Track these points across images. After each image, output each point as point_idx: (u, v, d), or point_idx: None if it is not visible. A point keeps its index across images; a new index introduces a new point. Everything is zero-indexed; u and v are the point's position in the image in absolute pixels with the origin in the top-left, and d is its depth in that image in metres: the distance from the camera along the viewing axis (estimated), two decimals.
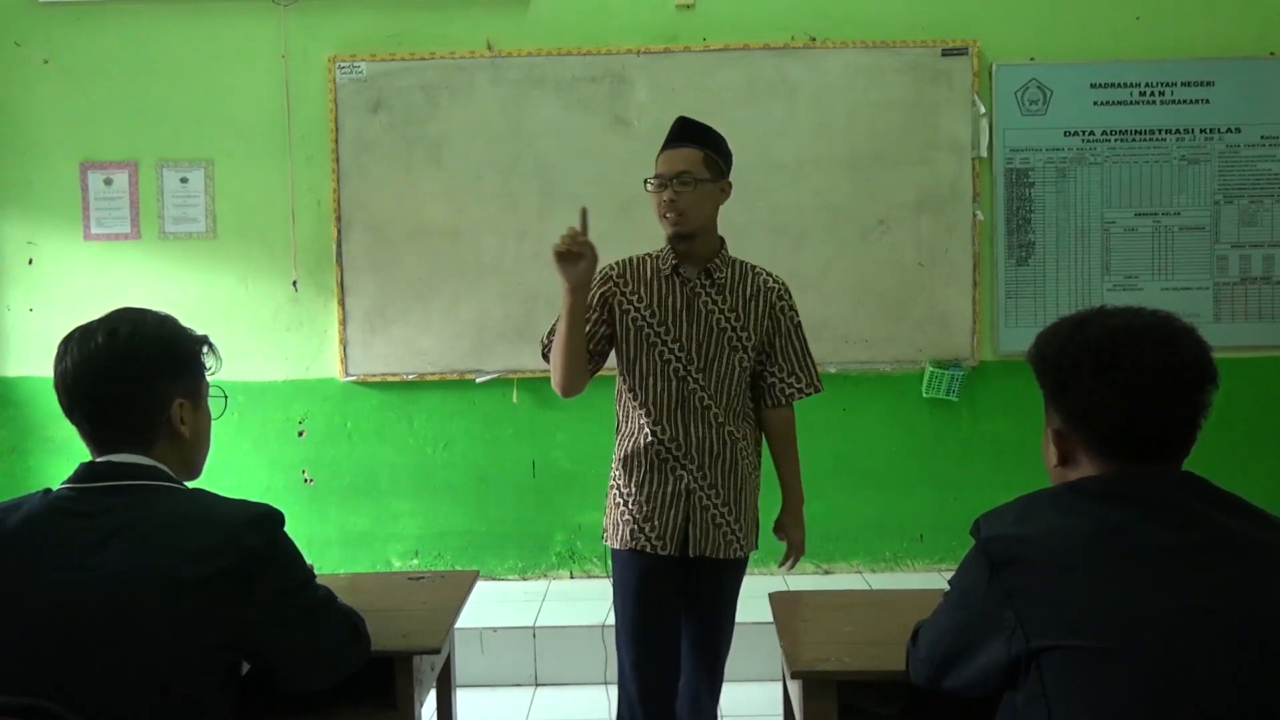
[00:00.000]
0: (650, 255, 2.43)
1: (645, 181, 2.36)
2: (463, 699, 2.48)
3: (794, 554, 2.53)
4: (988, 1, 4.05)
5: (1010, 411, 4.02)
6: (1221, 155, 4.05)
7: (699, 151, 2.34)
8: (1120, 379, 1.32)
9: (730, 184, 2.44)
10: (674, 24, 4.04)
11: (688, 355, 2.35)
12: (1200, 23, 4.04)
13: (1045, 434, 1.43)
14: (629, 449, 2.40)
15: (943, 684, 1.45)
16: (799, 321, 2.45)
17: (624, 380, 2.42)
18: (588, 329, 2.38)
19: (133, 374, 1.49)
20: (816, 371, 2.47)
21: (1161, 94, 4.03)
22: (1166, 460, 1.34)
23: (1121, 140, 4.04)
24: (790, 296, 2.45)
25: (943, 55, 4.02)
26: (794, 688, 1.83)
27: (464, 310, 4.05)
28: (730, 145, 2.47)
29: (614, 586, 2.46)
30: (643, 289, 2.39)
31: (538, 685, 3.56)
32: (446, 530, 4.16)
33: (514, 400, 4.05)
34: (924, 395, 4.08)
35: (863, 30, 4.02)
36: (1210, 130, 4.04)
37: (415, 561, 4.14)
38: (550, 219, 4.00)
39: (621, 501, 2.41)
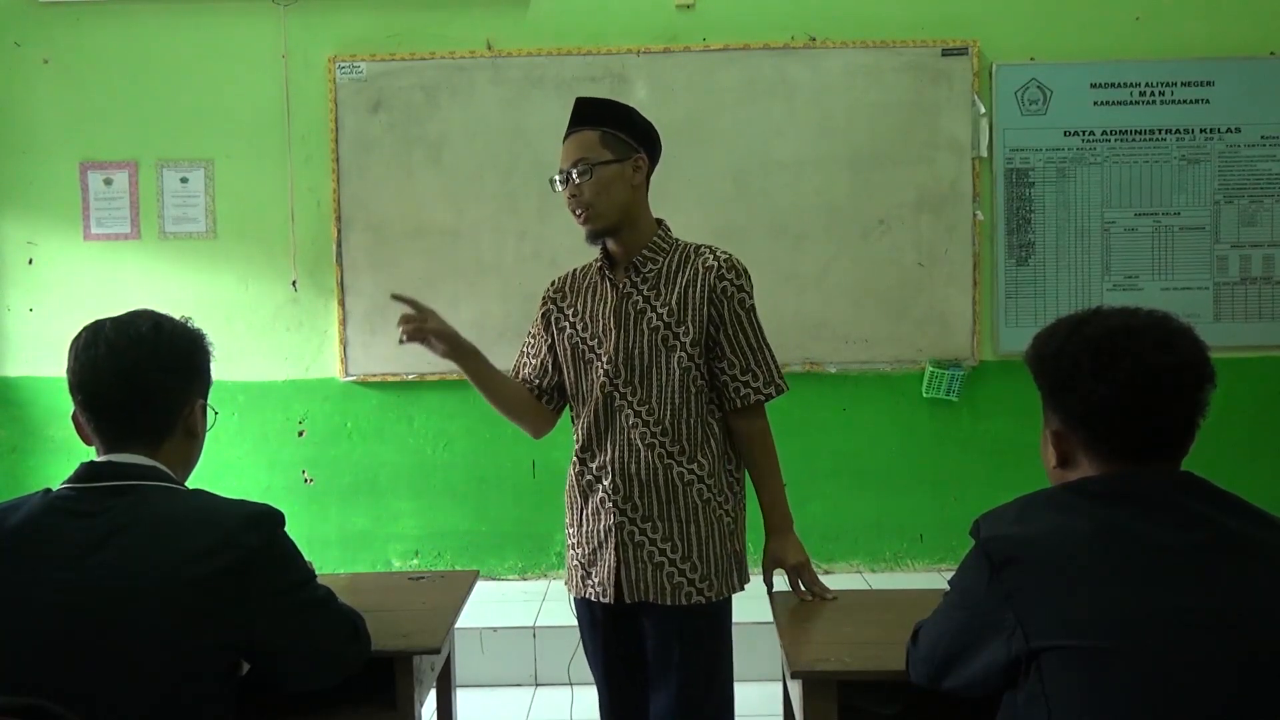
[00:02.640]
0: (592, 262, 2.15)
1: (550, 181, 2.07)
2: (463, 699, 2.48)
3: (798, 578, 2.06)
4: (988, 1, 4.05)
5: (1010, 411, 4.02)
6: (1221, 155, 4.05)
7: (594, 132, 2.03)
8: (1119, 379, 1.32)
9: (646, 158, 2.07)
10: (674, 24, 4.04)
11: (614, 367, 2.03)
12: (1200, 23, 4.04)
13: (1044, 435, 1.43)
14: (568, 481, 2.14)
15: (943, 684, 1.45)
16: (750, 305, 2.05)
17: (570, 404, 2.16)
18: (538, 361, 2.18)
19: (172, 365, 1.53)
20: (777, 366, 2.06)
21: (1161, 94, 4.03)
22: (1165, 460, 1.34)
23: (1121, 140, 4.04)
24: (737, 275, 2.04)
25: (943, 55, 4.02)
26: (794, 688, 1.83)
27: (464, 310, 4.05)
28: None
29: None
30: (578, 301, 2.12)
31: (538, 685, 3.56)
32: (446, 530, 4.16)
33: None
34: (924, 395, 4.08)
35: (863, 30, 4.02)
36: (1210, 130, 4.04)
37: (415, 561, 4.14)
38: (550, 219, 4.00)
39: (570, 542, 2.15)
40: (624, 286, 2.06)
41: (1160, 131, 4.04)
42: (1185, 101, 4.03)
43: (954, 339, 4.07)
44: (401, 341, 2.08)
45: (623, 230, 2.05)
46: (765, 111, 4.00)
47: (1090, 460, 1.37)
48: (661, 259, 2.06)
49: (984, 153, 4.03)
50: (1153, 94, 4.04)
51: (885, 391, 4.11)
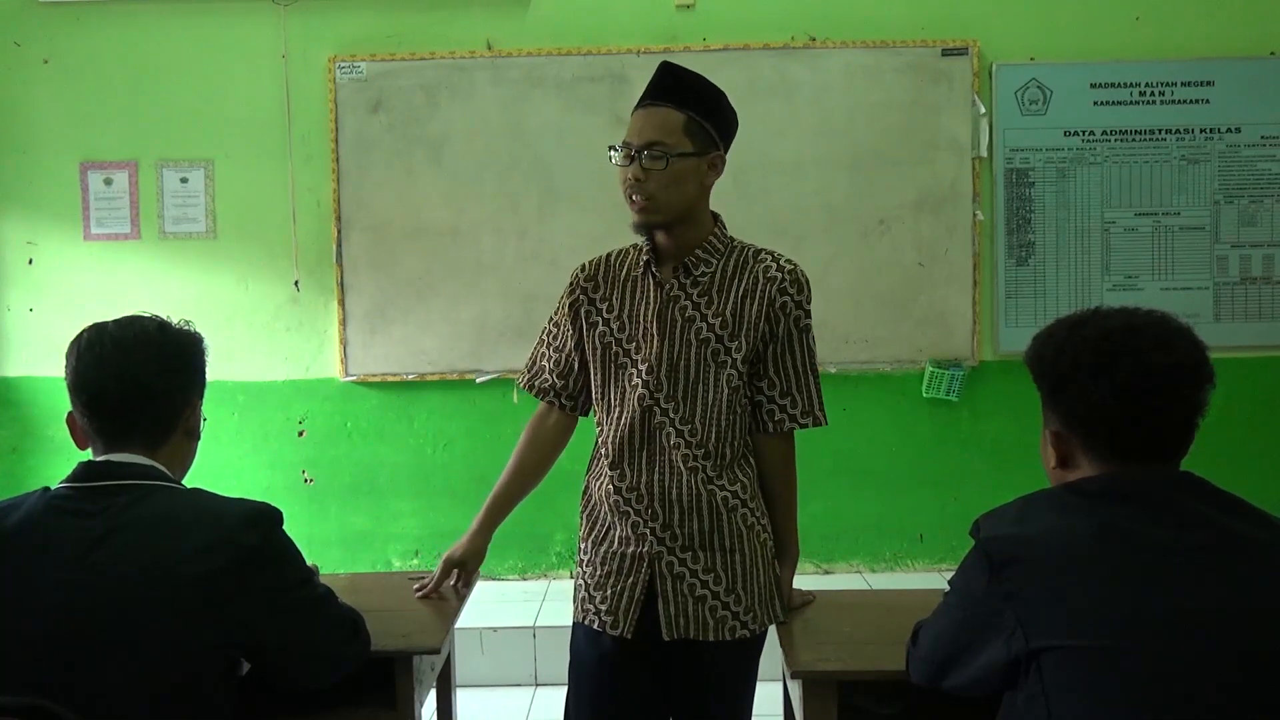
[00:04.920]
0: (632, 249, 1.93)
1: (610, 150, 1.85)
2: (463, 699, 2.47)
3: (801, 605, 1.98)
4: (988, 1, 4.04)
5: (1010, 411, 4.02)
6: (1221, 155, 4.04)
7: (680, 114, 1.81)
8: (1118, 379, 1.32)
9: (723, 156, 1.89)
10: (674, 24, 4.04)
11: (656, 379, 1.83)
12: (1200, 23, 4.04)
13: (1043, 436, 1.43)
14: (592, 494, 1.95)
15: (943, 684, 1.45)
16: (806, 325, 1.86)
17: (596, 408, 1.95)
18: (562, 355, 1.98)
19: (175, 365, 1.54)
20: (819, 397, 1.88)
21: (1161, 94, 4.03)
22: (1165, 460, 1.35)
23: (1121, 140, 4.04)
24: (799, 289, 1.85)
25: (943, 55, 4.02)
26: (794, 688, 1.83)
27: (464, 310, 4.05)
28: (730, 145, 2.05)
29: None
30: (615, 295, 1.90)
31: (538, 685, 3.56)
32: (446, 530, 4.15)
33: (514, 400, 4.04)
34: (924, 395, 4.08)
35: (863, 30, 4.02)
36: (1210, 130, 4.04)
37: (415, 561, 4.14)
38: (550, 219, 4.00)
39: (582, 559, 1.96)
40: (671, 288, 1.85)
41: (1160, 131, 4.04)
42: (1185, 101, 4.03)
43: (954, 339, 4.07)
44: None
45: (678, 226, 1.84)
46: (765, 111, 4.00)
47: (1090, 460, 1.37)
48: (716, 261, 1.86)
49: (984, 153, 4.03)
50: (1153, 94, 4.03)
51: (885, 391, 4.11)
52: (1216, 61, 4.03)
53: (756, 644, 1.90)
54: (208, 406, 1.64)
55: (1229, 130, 4.04)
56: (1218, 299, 4.07)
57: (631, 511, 1.86)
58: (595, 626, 1.89)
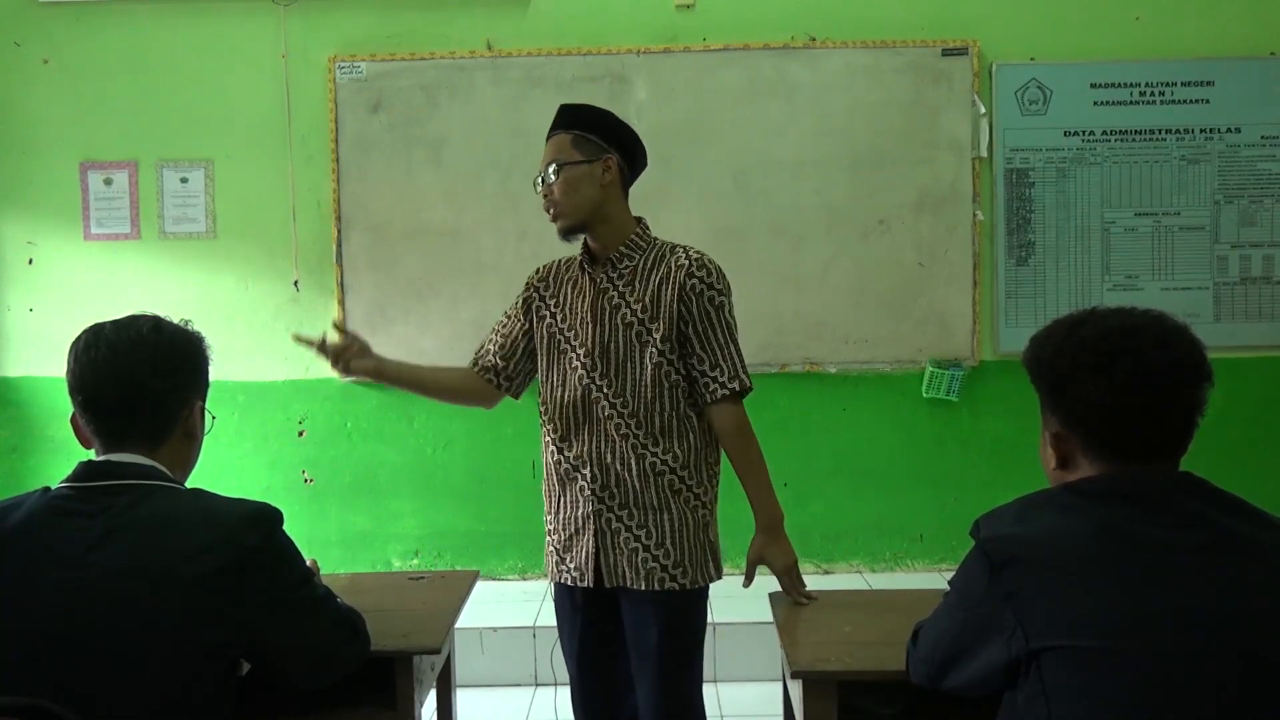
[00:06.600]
0: (578, 256, 2.24)
1: (534, 184, 2.21)
2: (463, 699, 2.48)
3: (784, 576, 2.09)
4: (988, 1, 4.05)
5: (1010, 411, 4.02)
6: (1221, 155, 4.04)
7: (566, 134, 2.14)
8: (1118, 379, 1.32)
9: (616, 159, 2.14)
10: (674, 24, 4.04)
11: (592, 361, 2.11)
12: (1200, 23, 4.04)
13: (1043, 437, 1.43)
14: (545, 469, 2.22)
15: (943, 684, 1.45)
16: (721, 302, 2.10)
17: (540, 391, 2.22)
18: (507, 340, 2.24)
19: (171, 367, 1.53)
20: (742, 363, 2.11)
21: (1161, 94, 4.03)
22: (1165, 459, 1.35)
23: (1121, 140, 4.04)
24: (707, 273, 2.10)
25: (943, 55, 4.02)
26: (794, 688, 1.83)
27: (464, 310, 4.05)
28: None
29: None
30: (560, 292, 2.20)
31: (538, 685, 3.56)
32: (446, 530, 4.15)
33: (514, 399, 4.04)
34: (924, 395, 4.08)
35: (863, 30, 4.02)
36: (1210, 130, 4.04)
37: (415, 561, 4.14)
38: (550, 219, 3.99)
39: (548, 528, 2.25)
40: (601, 282, 2.14)
41: (1160, 131, 4.04)
42: (1185, 101, 4.03)
43: (954, 339, 4.07)
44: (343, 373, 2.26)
45: (594, 227, 2.14)
46: (765, 111, 4.00)
47: (1090, 461, 1.37)
48: (638, 256, 2.14)
49: (984, 153, 4.03)
50: (1153, 94, 4.04)
51: (885, 391, 4.11)
52: (1216, 61, 4.03)
53: (688, 599, 2.12)
54: (208, 406, 1.64)
55: (1229, 130, 4.04)
56: (1218, 299, 4.07)
57: (579, 476, 2.14)
58: (568, 583, 2.18)
